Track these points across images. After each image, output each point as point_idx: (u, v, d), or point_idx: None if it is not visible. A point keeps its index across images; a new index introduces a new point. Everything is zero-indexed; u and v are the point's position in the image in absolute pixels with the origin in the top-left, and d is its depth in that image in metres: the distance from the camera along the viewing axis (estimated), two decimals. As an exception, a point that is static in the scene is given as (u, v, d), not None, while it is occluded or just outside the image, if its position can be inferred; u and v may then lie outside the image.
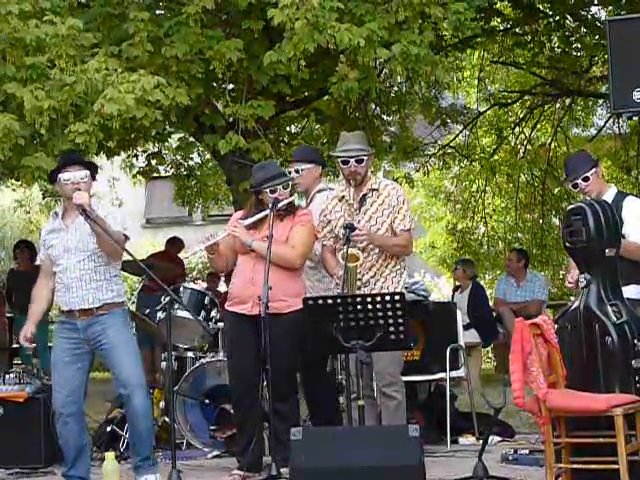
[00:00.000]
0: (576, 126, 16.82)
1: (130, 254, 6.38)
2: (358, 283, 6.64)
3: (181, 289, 8.62)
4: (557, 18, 13.43)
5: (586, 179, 6.83)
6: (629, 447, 5.49)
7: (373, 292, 6.54)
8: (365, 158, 6.85)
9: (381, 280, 6.80)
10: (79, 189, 6.32)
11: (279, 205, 6.82)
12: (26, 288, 13.18)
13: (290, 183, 7.07)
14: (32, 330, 6.55)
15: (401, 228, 6.85)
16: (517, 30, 13.80)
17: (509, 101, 16.03)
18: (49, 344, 14.17)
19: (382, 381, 6.72)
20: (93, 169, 6.58)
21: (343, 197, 6.90)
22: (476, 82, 15.91)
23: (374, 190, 6.87)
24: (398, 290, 6.72)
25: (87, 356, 6.48)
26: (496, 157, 16.68)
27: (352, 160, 6.82)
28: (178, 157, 13.39)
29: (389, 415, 6.73)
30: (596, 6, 13.52)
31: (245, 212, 7.13)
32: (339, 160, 6.89)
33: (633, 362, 5.80)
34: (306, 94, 11.66)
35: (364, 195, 6.86)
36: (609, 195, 6.76)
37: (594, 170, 6.84)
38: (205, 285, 10.29)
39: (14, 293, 13.54)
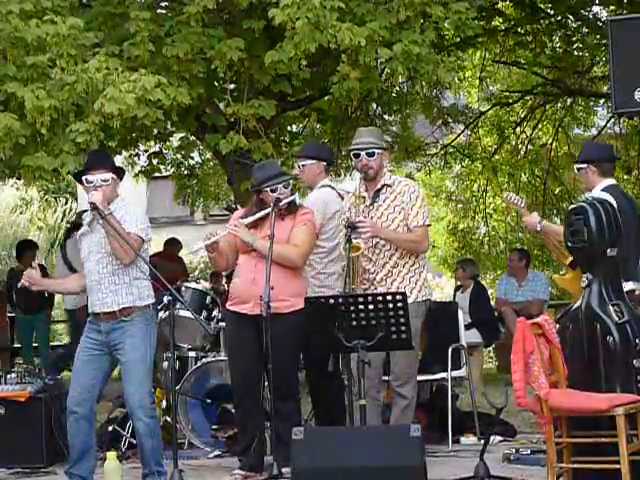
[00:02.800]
0: (577, 126, 16.80)
1: (138, 254, 6.35)
2: (374, 283, 6.67)
3: (183, 289, 8.62)
4: (558, 18, 13.43)
5: (579, 169, 7.15)
6: (630, 447, 5.49)
7: (390, 291, 6.50)
8: (376, 151, 6.87)
9: (398, 280, 6.78)
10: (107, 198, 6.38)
11: (280, 204, 6.82)
12: (26, 288, 13.20)
13: (291, 182, 7.07)
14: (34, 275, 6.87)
15: (414, 224, 6.83)
16: (518, 30, 13.80)
17: (510, 101, 16.02)
18: (50, 343, 14.25)
19: (398, 380, 6.75)
20: (119, 172, 6.59)
21: (359, 194, 6.92)
22: (477, 82, 15.90)
23: (388, 186, 6.89)
24: (416, 290, 6.75)
25: (106, 358, 6.43)
26: (497, 157, 16.67)
27: (363, 153, 6.85)
28: (178, 156, 13.39)
29: (399, 413, 6.75)
30: (597, 6, 13.51)
31: (245, 211, 7.13)
32: (352, 154, 6.93)
33: (635, 362, 5.80)
34: (307, 94, 11.66)
35: (377, 191, 6.88)
36: (596, 190, 6.89)
37: (586, 166, 7.07)
38: (209, 285, 10.28)
39: (14, 293, 13.51)
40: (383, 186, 6.89)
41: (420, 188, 7.27)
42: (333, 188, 7.53)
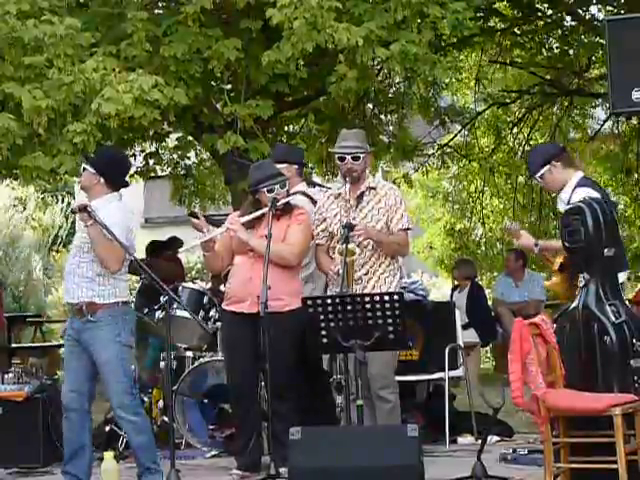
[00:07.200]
0: (574, 129, 16.79)
1: (130, 254, 6.34)
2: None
3: (180, 289, 8.61)
4: (555, 18, 13.44)
5: (541, 176, 6.81)
6: (628, 447, 5.49)
7: (365, 290, 6.54)
8: (362, 155, 6.84)
9: (374, 279, 6.78)
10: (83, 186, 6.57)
11: (278, 204, 6.82)
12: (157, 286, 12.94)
13: (287, 182, 7.06)
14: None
15: (399, 227, 6.84)
16: (515, 30, 13.80)
17: (507, 101, 16.02)
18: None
19: (377, 384, 6.69)
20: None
21: (340, 195, 6.90)
22: (474, 83, 15.89)
23: (372, 189, 6.88)
24: (391, 291, 6.73)
25: (86, 356, 6.40)
26: (494, 157, 16.66)
27: (348, 157, 6.82)
28: (175, 156, 13.38)
29: (384, 417, 6.70)
30: (595, 5, 13.52)
31: (242, 212, 7.13)
32: (336, 156, 6.90)
33: (632, 362, 5.80)
34: (305, 94, 11.65)
35: (362, 193, 6.86)
36: (570, 186, 6.70)
37: (547, 167, 6.76)
38: (209, 285, 10.25)
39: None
40: (367, 188, 6.88)
41: (399, 191, 7.25)
42: (306, 194, 7.48)
